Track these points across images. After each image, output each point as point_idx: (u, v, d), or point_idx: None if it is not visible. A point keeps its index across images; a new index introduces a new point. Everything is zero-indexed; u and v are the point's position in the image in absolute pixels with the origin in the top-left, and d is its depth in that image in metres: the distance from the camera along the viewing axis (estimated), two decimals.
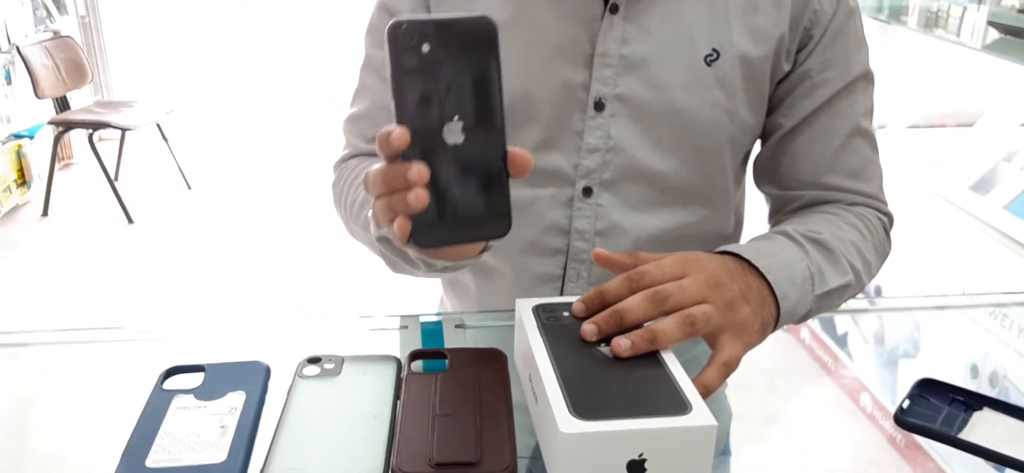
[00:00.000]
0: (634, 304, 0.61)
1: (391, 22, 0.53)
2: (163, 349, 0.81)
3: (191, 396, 0.63)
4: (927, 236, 2.10)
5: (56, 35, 4.04)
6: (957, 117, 2.59)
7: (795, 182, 0.85)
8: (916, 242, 2.14)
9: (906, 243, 2.21)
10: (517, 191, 0.84)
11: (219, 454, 0.57)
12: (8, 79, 3.78)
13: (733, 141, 0.84)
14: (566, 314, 0.65)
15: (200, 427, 0.60)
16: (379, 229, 0.74)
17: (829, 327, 2.25)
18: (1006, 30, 2.04)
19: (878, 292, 2.31)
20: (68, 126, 3.80)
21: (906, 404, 0.66)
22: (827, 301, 0.74)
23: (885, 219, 0.86)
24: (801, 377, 0.99)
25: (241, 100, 5.09)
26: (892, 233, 0.87)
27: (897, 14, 2.44)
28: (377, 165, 0.57)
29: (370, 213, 0.77)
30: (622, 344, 0.58)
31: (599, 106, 0.80)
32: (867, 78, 0.86)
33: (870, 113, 0.87)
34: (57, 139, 3.82)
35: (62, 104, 3.84)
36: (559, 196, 0.84)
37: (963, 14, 2.14)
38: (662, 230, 0.84)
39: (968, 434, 0.63)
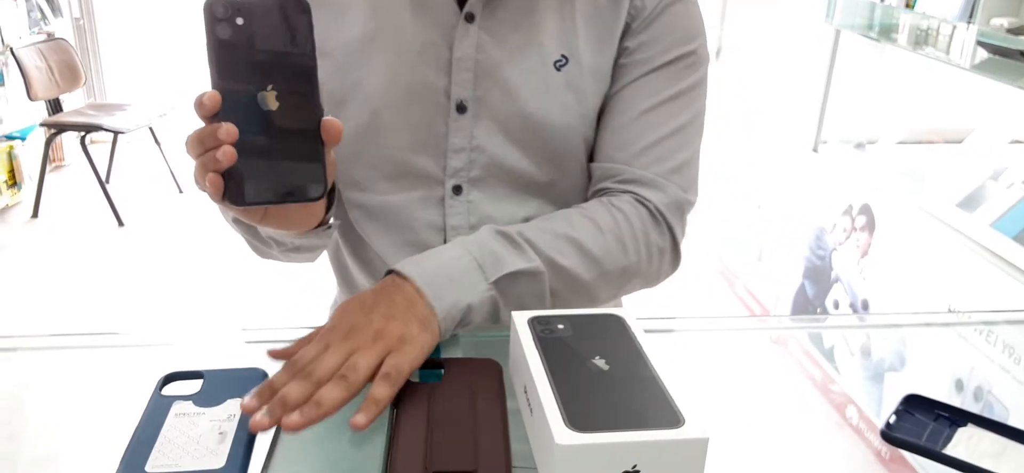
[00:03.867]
0: (290, 390, 0.61)
1: None
2: (156, 355, 0.81)
3: (190, 403, 0.64)
4: (915, 252, 2.12)
5: (50, 37, 4.03)
6: (945, 134, 2.62)
7: (595, 157, 0.87)
8: (904, 257, 2.16)
9: (894, 259, 2.23)
10: (388, 196, 0.87)
11: (218, 460, 0.57)
12: (1, 80, 3.77)
13: (586, 141, 0.87)
14: (561, 327, 0.66)
15: (200, 433, 0.60)
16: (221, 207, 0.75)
17: (817, 341, 2.27)
18: (994, 50, 2.07)
19: (865, 306, 2.33)
20: (60, 128, 3.79)
21: (892, 419, 0.67)
22: (517, 285, 0.75)
23: (653, 201, 0.83)
24: (789, 390, 1.00)
25: None
26: (690, 216, 0.86)
27: (887, 32, 2.47)
28: (191, 131, 0.62)
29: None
30: (291, 420, 0.58)
31: (461, 108, 0.83)
32: (687, 63, 0.84)
33: (681, 97, 0.85)
34: (49, 141, 3.81)
35: (55, 106, 3.84)
36: (430, 196, 0.87)
37: (953, 33, 2.17)
38: (535, 216, 0.85)
39: (953, 450, 0.64)
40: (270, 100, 0.60)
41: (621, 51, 0.85)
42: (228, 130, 0.59)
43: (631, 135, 0.84)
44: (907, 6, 2.36)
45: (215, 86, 0.60)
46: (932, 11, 2.24)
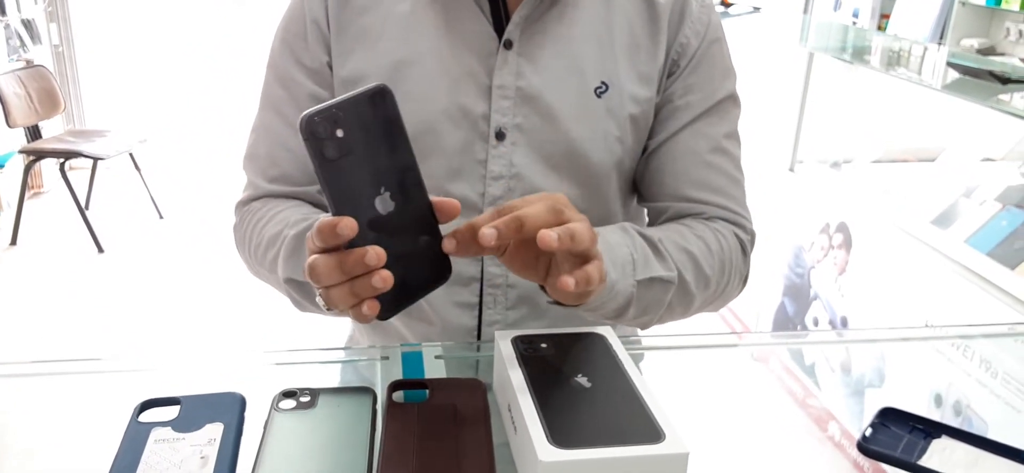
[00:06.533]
0: (534, 211, 0.61)
1: (302, 117, 0.55)
2: (134, 381, 0.81)
3: (169, 428, 0.64)
4: (891, 269, 2.15)
5: (29, 64, 4.01)
6: (919, 153, 2.67)
7: (661, 195, 0.89)
8: (881, 275, 2.19)
9: (871, 276, 2.26)
10: None
11: None
12: None
13: (621, 167, 0.88)
14: (544, 345, 0.67)
15: (181, 459, 0.60)
16: (287, 271, 0.76)
17: (797, 357, 2.29)
18: (965, 70, 2.11)
19: (844, 323, 2.36)
20: (39, 155, 3.76)
21: (869, 432, 0.69)
22: (651, 291, 0.76)
23: (744, 235, 0.89)
24: (770, 406, 1.01)
25: (214, 130, 5.07)
26: (752, 253, 0.91)
27: (860, 54, 2.52)
28: (320, 257, 0.58)
29: (275, 254, 0.79)
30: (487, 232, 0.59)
31: (500, 136, 0.83)
32: (732, 101, 0.90)
33: (733, 135, 0.90)
34: (28, 168, 3.77)
35: (34, 133, 3.81)
36: None
37: (924, 54, 2.21)
38: None
39: (927, 460, 0.65)
40: (386, 202, 0.59)
41: (670, 92, 0.87)
42: (378, 254, 0.56)
43: (704, 174, 0.87)
44: (879, 28, 2.42)
45: (338, 210, 0.56)
46: (904, 33, 2.29)
